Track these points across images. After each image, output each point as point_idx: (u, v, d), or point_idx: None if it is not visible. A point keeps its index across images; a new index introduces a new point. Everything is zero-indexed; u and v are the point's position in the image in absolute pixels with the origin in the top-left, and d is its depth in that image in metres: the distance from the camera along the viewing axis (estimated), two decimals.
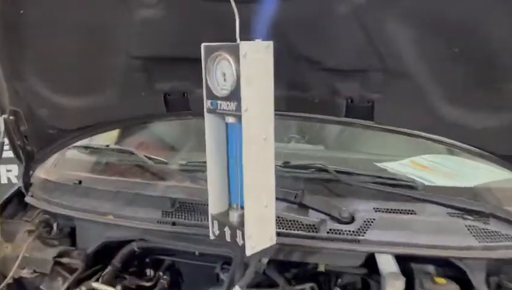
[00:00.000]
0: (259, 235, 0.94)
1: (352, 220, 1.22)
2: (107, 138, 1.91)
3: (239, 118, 0.89)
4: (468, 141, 1.16)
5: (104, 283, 1.32)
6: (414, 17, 0.97)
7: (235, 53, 0.85)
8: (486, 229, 1.19)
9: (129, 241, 1.36)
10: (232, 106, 0.89)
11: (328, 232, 1.18)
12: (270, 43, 0.88)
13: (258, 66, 0.87)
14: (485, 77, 1.01)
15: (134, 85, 1.30)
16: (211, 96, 0.93)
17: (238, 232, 0.94)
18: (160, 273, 1.43)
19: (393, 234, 1.17)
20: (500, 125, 1.08)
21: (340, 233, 1.18)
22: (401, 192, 1.32)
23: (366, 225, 1.19)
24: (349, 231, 1.18)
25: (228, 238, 0.97)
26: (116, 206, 1.38)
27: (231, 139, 0.96)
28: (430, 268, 1.22)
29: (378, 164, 1.61)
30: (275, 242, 0.97)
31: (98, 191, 1.45)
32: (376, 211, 1.26)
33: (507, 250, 1.13)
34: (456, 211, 1.25)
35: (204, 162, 0.98)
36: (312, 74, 1.14)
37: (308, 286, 1.21)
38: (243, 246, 0.92)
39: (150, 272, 1.45)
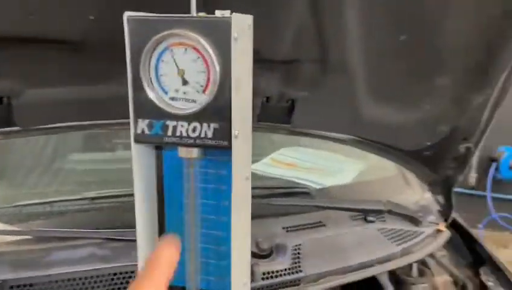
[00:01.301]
0: None
1: (271, 251, 0.96)
2: None
3: (211, 150, 0.50)
4: (383, 138, 1.06)
5: None
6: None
7: (218, 33, 0.46)
8: (394, 228, 1.13)
9: None
10: (203, 129, 0.49)
11: (263, 278, 0.88)
12: (250, 19, 0.51)
13: (245, 58, 0.50)
14: (421, 70, 0.91)
15: None
16: (150, 112, 0.49)
17: None
18: None
19: (325, 259, 0.97)
20: (415, 121, 1.02)
21: (277, 275, 0.90)
22: (303, 202, 1.14)
23: (297, 255, 0.95)
24: (286, 270, 0.91)
25: None
26: None
27: (184, 185, 0.55)
28: None
29: None
30: None
31: None
32: (287, 230, 1.04)
33: (421, 250, 1.09)
34: (356, 214, 1.16)
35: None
36: None
37: None
38: None
39: None
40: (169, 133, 0.49)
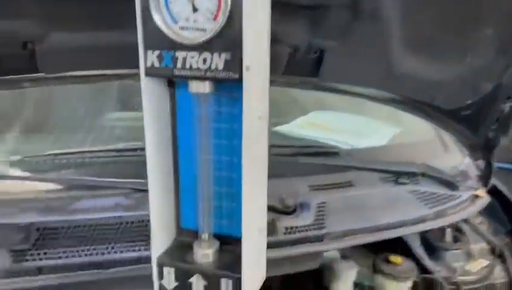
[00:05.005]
0: (253, 276, 0.57)
1: (295, 208, 0.94)
2: None
3: (223, 83, 0.48)
4: (418, 95, 1.00)
5: None
6: None
7: None
8: (427, 191, 1.08)
9: None
10: (214, 60, 0.46)
11: (284, 233, 0.86)
12: None
13: None
14: (462, 19, 0.84)
15: None
16: (160, 43, 0.47)
17: (224, 282, 0.54)
18: None
19: (350, 217, 0.94)
20: (455, 76, 0.95)
21: (298, 230, 0.88)
22: (331, 162, 1.10)
23: (321, 213, 0.92)
24: (309, 226, 0.89)
25: None
26: None
27: (196, 124, 0.53)
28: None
29: (276, 129, 1.35)
30: (265, 277, 0.61)
31: None
32: (311, 189, 1.01)
33: (454, 214, 1.04)
34: (388, 175, 1.11)
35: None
36: None
37: None
38: None
39: None
40: (179, 65, 0.47)
